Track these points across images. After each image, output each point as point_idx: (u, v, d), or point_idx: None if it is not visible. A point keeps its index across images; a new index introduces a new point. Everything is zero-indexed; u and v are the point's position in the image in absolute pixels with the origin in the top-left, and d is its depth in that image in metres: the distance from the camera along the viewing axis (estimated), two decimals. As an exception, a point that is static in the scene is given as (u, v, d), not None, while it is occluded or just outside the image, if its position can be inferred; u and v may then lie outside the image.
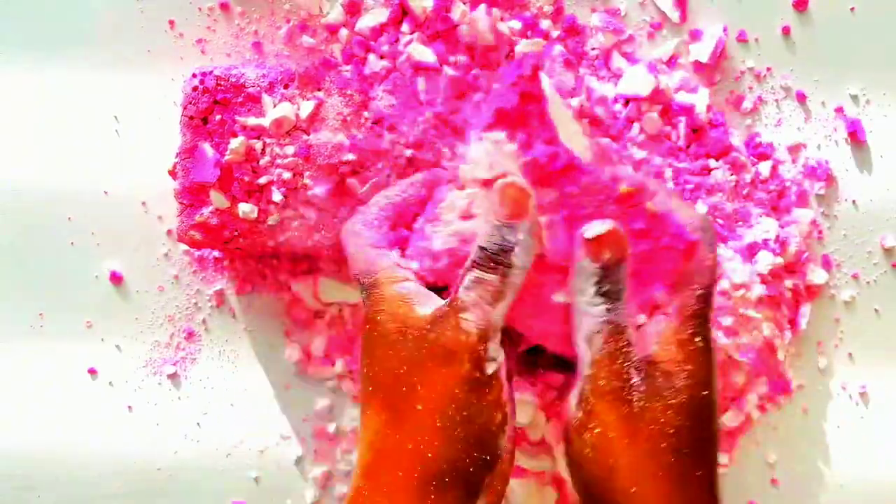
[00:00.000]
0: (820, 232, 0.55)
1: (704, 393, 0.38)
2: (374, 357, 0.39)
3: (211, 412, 0.56)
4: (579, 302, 0.39)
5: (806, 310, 0.54)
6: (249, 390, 0.56)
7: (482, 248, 0.39)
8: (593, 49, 0.54)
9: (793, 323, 0.54)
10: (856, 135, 0.55)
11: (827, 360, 0.55)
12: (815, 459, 0.55)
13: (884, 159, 0.55)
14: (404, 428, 0.37)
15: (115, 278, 0.55)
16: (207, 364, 0.56)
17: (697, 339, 0.39)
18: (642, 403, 0.37)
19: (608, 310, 0.38)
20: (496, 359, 0.38)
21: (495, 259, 0.38)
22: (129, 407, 0.56)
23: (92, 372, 0.56)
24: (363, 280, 0.41)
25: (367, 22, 0.53)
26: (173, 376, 0.56)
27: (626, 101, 0.53)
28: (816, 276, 0.55)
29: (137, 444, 0.56)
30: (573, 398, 0.39)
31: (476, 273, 0.38)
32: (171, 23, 0.55)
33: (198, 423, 0.56)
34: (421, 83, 0.52)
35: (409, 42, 0.52)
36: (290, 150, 0.51)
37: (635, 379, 0.38)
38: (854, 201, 0.55)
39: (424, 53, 0.52)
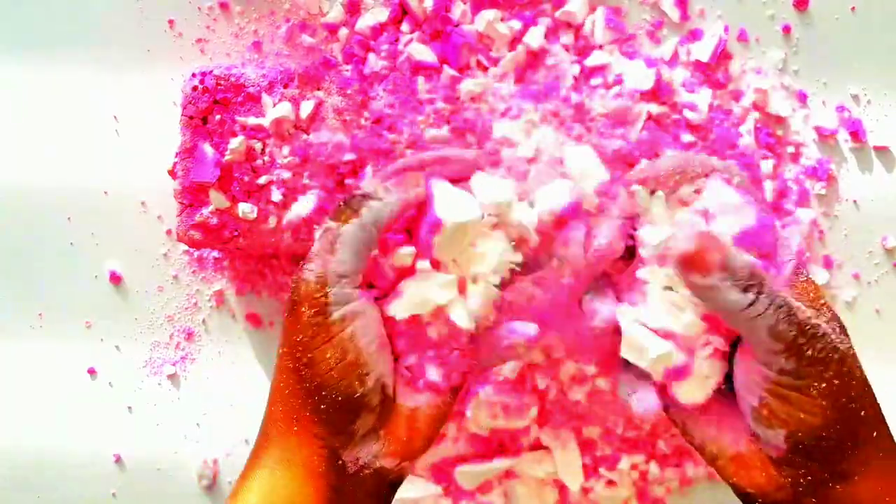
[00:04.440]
0: (821, 232, 0.55)
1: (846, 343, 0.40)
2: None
3: (211, 412, 0.56)
4: (740, 314, 0.39)
5: None
6: (249, 390, 0.56)
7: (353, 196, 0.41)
8: (594, 47, 0.54)
9: None
10: (856, 135, 0.55)
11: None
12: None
13: (884, 159, 0.55)
14: (275, 371, 0.41)
15: (115, 278, 0.55)
16: (207, 364, 0.56)
17: (821, 290, 0.42)
18: (850, 352, 0.40)
19: (768, 296, 0.38)
20: (345, 303, 0.40)
21: (348, 202, 0.41)
22: (129, 407, 0.56)
23: (92, 372, 0.56)
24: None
25: (367, 22, 0.53)
26: (173, 376, 0.56)
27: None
28: (818, 276, 0.55)
29: (137, 444, 0.56)
30: (765, 396, 0.40)
31: (325, 223, 0.41)
32: (171, 23, 0.55)
33: (198, 424, 0.56)
34: (421, 83, 0.52)
35: (409, 42, 0.52)
36: (289, 149, 0.51)
37: (833, 332, 0.39)
38: (855, 201, 0.55)
39: (424, 53, 0.52)
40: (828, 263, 0.55)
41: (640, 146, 0.51)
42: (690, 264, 0.39)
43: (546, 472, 0.55)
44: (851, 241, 0.55)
